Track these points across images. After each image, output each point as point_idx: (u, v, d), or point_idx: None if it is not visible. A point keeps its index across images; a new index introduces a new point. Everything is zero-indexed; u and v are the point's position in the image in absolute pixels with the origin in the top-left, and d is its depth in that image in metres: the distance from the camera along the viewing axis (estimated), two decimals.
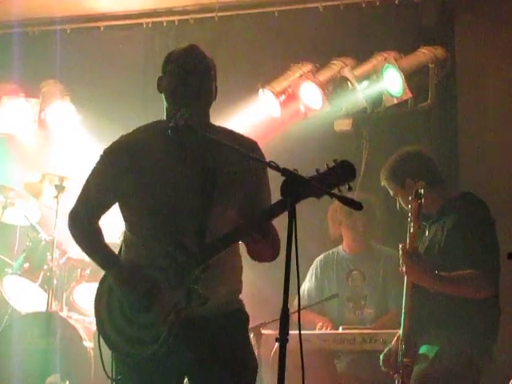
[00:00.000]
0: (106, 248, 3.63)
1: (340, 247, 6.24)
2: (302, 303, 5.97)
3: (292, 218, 2.94)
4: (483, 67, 6.81)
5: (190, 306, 3.38)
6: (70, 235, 3.72)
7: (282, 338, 2.90)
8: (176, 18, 7.65)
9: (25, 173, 7.12)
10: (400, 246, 4.48)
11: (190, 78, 3.51)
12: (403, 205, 4.74)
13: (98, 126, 7.23)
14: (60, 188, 6.73)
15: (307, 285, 6.17)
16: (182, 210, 3.48)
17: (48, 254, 6.65)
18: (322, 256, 6.26)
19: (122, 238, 3.76)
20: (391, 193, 4.86)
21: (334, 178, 3.14)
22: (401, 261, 4.46)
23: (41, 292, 6.68)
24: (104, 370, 3.55)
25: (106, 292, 3.57)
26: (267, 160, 3.23)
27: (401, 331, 4.47)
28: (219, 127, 3.66)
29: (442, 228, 4.58)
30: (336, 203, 6.12)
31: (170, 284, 3.41)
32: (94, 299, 3.62)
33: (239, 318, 3.63)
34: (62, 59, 7.57)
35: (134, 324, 3.45)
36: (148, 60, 7.51)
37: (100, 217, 3.66)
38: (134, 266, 3.50)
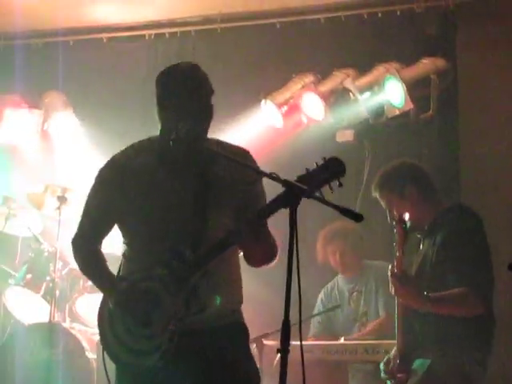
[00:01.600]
0: (104, 272, 3.64)
1: (338, 276, 6.36)
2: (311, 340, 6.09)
3: (293, 228, 2.95)
4: (485, 78, 6.82)
5: (190, 312, 3.38)
6: (75, 262, 3.78)
7: (284, 349, 2.89)
8: (178, 29, 7.67)
9: (27, 184, 7.12)
10: (389, 267, 4.47)
11: (190, 94, 3.51)
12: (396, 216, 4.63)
13: (100, 137, 7.25)
14: (62, 199, 6.74)
15: (316, 318, 6.23)
16: (177, 223, 3.49)
17: (50, 265, 6.66)
18: (322, 292, 6.38)
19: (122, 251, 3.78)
20: (384, 203, 4.73)
21: (323, 176, 3.14)
22: (390, 283, 4.44)
23: (43, 303, 6.68)
24: (108, 381, 3.56)
25: (108, 306, 3.57)
26: (268, 171, 3.23)
27: (395, 347, 4.48)
28: (212, 139, 3.65)
29: (433, 243, 4.51)
30: (323, 234, 6.23)
31: (168, 292, 3.40)
32: (97, 313, 3.63)
33: (239, 331, 3.62)
34: (65, 71, 7.60)
35: (135, 335, 3.44)
36: (150, 71, 7.52)
37: (103, 238, 3.69)
38: (129, 286, 3.49)
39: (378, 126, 6.89)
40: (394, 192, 4.68)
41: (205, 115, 3.55)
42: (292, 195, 3.03)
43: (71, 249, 3.73)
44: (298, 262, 2.93)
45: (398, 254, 4.39)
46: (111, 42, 7.83)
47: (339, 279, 6.33)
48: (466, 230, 4.46)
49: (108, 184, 3.61)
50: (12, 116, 7.64)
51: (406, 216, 4.43)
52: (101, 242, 3.70)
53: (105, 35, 7.83)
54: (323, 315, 6.21)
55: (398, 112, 6.70)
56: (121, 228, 3.67)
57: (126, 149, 3.68)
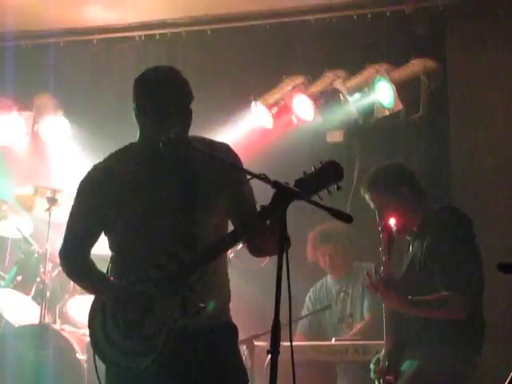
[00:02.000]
0: (96, 276, 3.63)
1: (328, 276, 6.38)
2: (300, 337, 6.15)
3: (283, 229, 2.95)
4: (474, 79, 6.84)
5: (186, 315, 3.37)
6: (66, 274, 3.77)
7: (274, 350, 2.90)
8: (168, 30, 7.66)
9: (17, 185, 7.11)
10: (372, 268, 4.46)
11: (174, 99, 3.52)
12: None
13: (90, 139, 7.24)
14: (52, 201, 6.73)
15: (303, 320, 6.24)
16: (167, 225, 3.48)
17: (41, 266, 6.64)
18: (310, 292, 6.41)
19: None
20: (374, 204, 4.69)
21: (321, 180, 3.15)
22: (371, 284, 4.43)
23: (34, 304, 6.67)
24: (99, 381, 3.55)
25: (99, 308, 3.55)
26: (258, 172, 3.22)
27: (383, 349, 4.48)
28: (196, 137, 3.64)
29: (421, 246, 4.50)
30: (312, 236, 6.24)
31: (163, 295, 3.39)
32: (88, 315, 3.61)
33: (229, 331, 3.63)
34: (55, 72, 7.59)
35: (128, 337, 3.43)
36: (140, 72, 7.51)
37: (91, 248, 3.67)
38: (123, 288, 3.48)
39: (368, 127, 6.90)
40: (387, 192, 4.64)
41: (184, 120, 3.55)
42: (282, 196, 3.03)
43: (60, 262, 3.73)
44: (287, 263, 2.94)
45: (384, 259, 4.39)
46: (101, 43, 7.82)
47: (328, 279, 6.37)
48: (455, 232, 4.45)
49: (91, 194, 3.60)
50: (2, 118, 7.62)
51: (392, 221, 4.43)
52: (89, 252, 3.67)
53: (95, 36, 7.81)
54: (308, 318, 6.23)
55: (387, 113, 6.72)
56: (108, 234, 3.65)
57: (107, 157, 3.67)
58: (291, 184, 3.11)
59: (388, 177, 4.71)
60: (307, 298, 6.38)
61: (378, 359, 4.51)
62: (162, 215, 3.50)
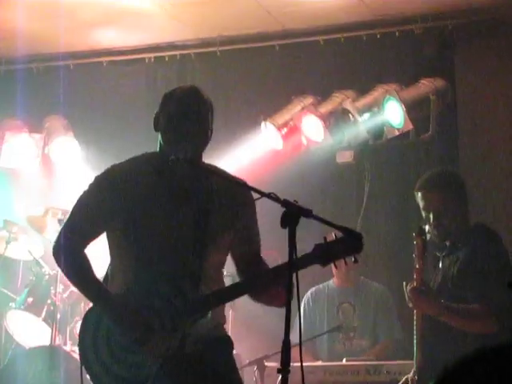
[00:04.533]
0: (97, 281, 3.54)
1: (330, 281, 6.33)
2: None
3: (292, 248, 2.95)
4: (484, 98, 6.84)
5: (183, 351, 3.38)
6: (59, 268, 3.69)
7: (284, 369, 2.88)
8: (178, 52, 7.69)
9: (28, 207, 7.13)
10: (404, 284, 4.43)
11: (192, 118, 3.50)
12: (447, 222, 4.55)
13: (100, 160, 7.23)
14: (63, 222, 6.74)
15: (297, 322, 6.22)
16: (176, 250, 3.46)
17: (51, 288, 6.65)
18: (309, 293, 6.36)
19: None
20: (434, 204, 4.58)
21: (341, 249, 3.15)
22: (407, 298, 4.41)
23: (44, 326, 6.67)
24: None
25: (90, 330, 3.50)
26: (267, 191, 3.23)
27: (414, 364, 4.44)
28: (209, 165, 3.65)
29: (455, 262, 4.50)
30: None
31: (163, 328, 3.36)
32: (77, 338, 3.56)
33: (227, 344, 3.63)
34: (66, 95, 7.62)
35: (121, 363, 3.39)
36: (150, 94, 7.55)
37: (86, 246, 3.57)
38: (129, 305, 3.42)
39: (378, 147, 6.90)
40: (455, 194, 4.63)
41: (202, 139, 3.56)
42: (291, 215, 3.03)
43: (52, 252, 3.57)
44: (297, 284, 2.93)
45: (417, 266, 4.38)
46: (111, 65, 7.86)
47: (330, 286, 6.33)
48: (489, 250, 4.47)
49: (104, 190, 3.55)
50: (13, 140, 7.66)
51: (426, 227, 4.41)
52: (85, 247, 3.56)
53: (105, 59, 7.85)
54: (307, 318, 6.18)
55: (397, 133, 6.71)
56: (112, 243, 3.59)
57: (126, 161, 3.64)
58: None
59: (458, 180, 4.74)
60: (306, 300, 6.29)
61: (407, 380, 4.47)
62: (172, 242, 3.47)
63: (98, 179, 3.60)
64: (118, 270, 3.57)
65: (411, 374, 4.48)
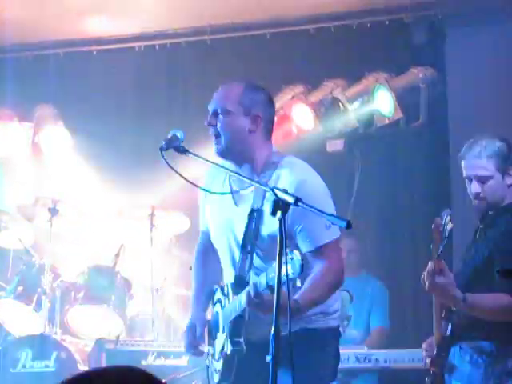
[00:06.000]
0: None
1: None
2: None
3: (282, 235, 2.95)
4: (474, 86, 6.85)
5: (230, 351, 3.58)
6: None
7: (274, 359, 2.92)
8: (168, 41, 7.68)
9: (18, 196, 7.12)
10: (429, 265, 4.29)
11: None
12: (491, 192, 4.33)
13: (90, 149, 7.25)
14: (53, 211, 6.73)
15: None
16: (233, 252, 3.73)
17: (42, 277, 6.64)
18: None
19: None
20: (482, 172, 4.39)
21: None
22: (423, 280, 4.28)
23: (35, 315, 6.67)
24: None
25: None
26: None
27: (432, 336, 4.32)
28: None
29: (484, 246, 4.26)
30: None
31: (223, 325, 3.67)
32: None
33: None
34: (56, 83, 7.62)
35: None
36: (140, 83, 7.55)
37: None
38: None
39: (368, 136, 6.91)
40: (504, 164, 4.37)
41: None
42: (280, 203, 3.03)
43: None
44: (287, 270, 2.94)
45: (435, 255, 4.27)
46: (101, 54, 7.84)
47: None
48: None
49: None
50: (3, 129, 7.64)
51: (448, 217, 4.27)
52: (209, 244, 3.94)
53: (94, 47, 7.83)
54: None
55: (387, 121, 6.73)
56: None
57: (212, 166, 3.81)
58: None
59: (505, 150, 4.43)
60: None
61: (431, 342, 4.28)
62: (229, 246, 3.76)
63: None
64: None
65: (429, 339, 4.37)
